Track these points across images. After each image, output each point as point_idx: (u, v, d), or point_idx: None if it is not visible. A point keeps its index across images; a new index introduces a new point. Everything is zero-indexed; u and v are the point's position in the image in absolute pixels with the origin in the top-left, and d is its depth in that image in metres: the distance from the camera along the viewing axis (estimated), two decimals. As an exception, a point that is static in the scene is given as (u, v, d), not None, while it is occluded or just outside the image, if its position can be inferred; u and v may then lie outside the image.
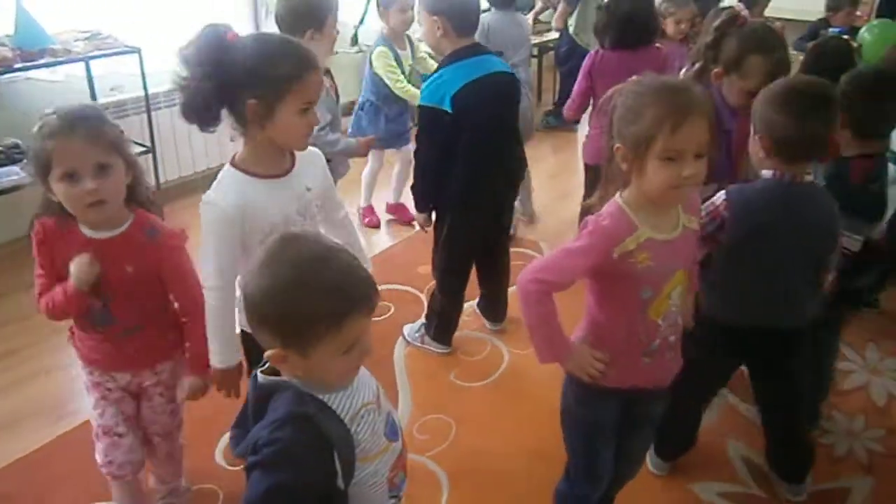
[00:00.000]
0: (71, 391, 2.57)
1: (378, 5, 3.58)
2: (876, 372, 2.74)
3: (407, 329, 2.94)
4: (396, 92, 3.48)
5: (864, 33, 4.09)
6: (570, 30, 5.18)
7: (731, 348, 1.97)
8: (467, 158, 2.49)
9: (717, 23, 2.18)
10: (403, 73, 3.53)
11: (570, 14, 5.15)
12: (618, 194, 1.52)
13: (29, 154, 1.55)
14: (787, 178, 1.78)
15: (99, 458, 1.81)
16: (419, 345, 2.90)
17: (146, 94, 3.53)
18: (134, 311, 1.70)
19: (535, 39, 5.81)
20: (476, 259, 2.84)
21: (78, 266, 1.55)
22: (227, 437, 2.28)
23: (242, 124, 1.58)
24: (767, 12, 4.88)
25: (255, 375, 1.18)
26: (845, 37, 4.15)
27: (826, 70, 2.18)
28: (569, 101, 3.24)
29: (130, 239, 1.63)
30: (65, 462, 2.27)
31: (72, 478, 2.19)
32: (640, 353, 1.59)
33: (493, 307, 3.00)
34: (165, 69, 3.68)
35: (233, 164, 1.64)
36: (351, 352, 1.11)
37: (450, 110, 2.41)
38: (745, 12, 4.19)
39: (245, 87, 1.51)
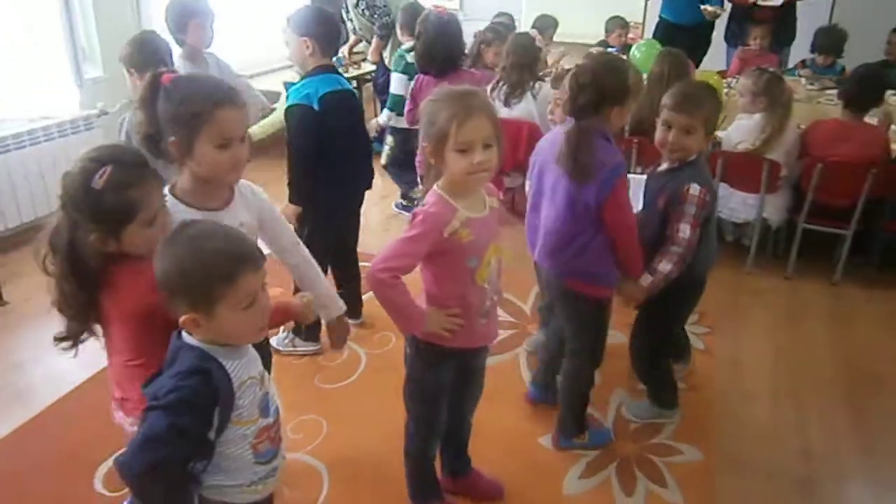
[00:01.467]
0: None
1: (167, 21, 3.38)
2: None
3: (275, 341, 3.09)
4: None
5: (634, 51, 4.81)
6: (386, 61, 5.55)
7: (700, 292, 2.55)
8: (331, 162, 2.77)
9: (582, 80, 2.18)
10: None
11: (385, 47, 5.53)
12: (435, 185, 1.82)
13: (90, 213, 1.42)
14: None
15: None
16: (291, 349, 3.09)
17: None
18: None
19: (354, 71, 6.15)
20: (333, 262, 3.08)
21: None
22: (106, 465, 2.36)
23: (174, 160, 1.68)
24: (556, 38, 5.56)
25: (180, 332, 1.39)
26: (620, 54, 4.88)
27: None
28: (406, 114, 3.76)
29: None
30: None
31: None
32: (478, 316, 1.91)
33: (352, 305, 3.22)
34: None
35: (171, 192, 1.67)
36: (250, 308, 1.34)
37: (317, 108, 2.69)
38: (539, 37, 4.82)
39: (168, 126, 1.61)
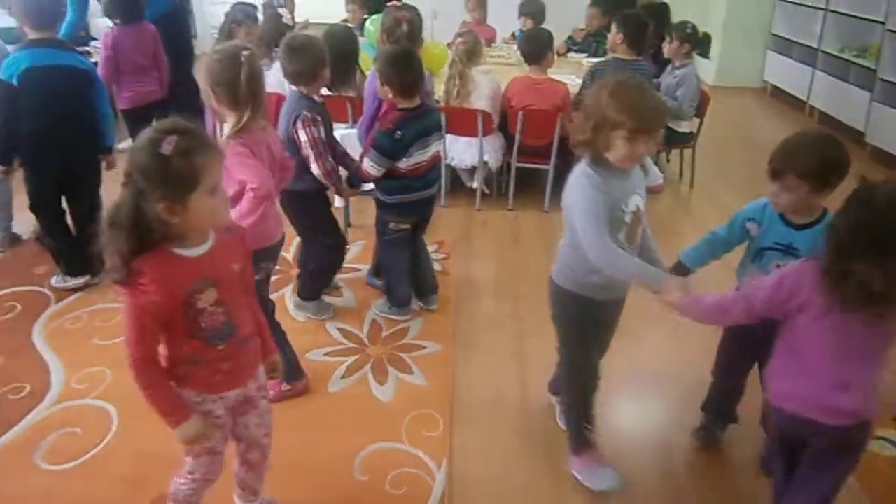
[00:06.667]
0: None
1: None
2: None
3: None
4: None
5: (368, 25, 5.34)
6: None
7: None
8: (31, 126, 3.22)
9: None
10: None
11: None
12: None
13: (159, 178, 1.49)
14: None
15: (195, 474, 1.89)
16: (61, 284, 3.51)
17: None
18: (246, 316, 1.78)
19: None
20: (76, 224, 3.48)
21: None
22: None
23: None
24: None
25: None
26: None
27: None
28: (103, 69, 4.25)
29: (221, 243, 1.68)
30: None
31: None
32: None
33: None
34: None
35: None
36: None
37: (16, 82, 3.13)
38: (286, 14, 5.19)
39: None
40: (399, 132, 2.88)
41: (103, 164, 3.55)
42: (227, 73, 2.23)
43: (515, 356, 3.10)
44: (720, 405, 2.57)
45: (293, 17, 5.82)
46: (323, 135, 2.82)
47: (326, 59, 2.85)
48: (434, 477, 2.39)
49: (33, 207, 3.48)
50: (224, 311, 1.68)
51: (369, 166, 2.92)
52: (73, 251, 3.47)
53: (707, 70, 8.06)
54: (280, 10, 5.46)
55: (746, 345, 2.32)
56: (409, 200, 3.06)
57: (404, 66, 2.89)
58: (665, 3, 5.89)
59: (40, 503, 2.26)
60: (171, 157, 1.48)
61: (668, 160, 5.51)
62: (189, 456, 1.86)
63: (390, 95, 2.92)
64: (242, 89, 2.22)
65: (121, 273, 1.54)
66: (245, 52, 2.26)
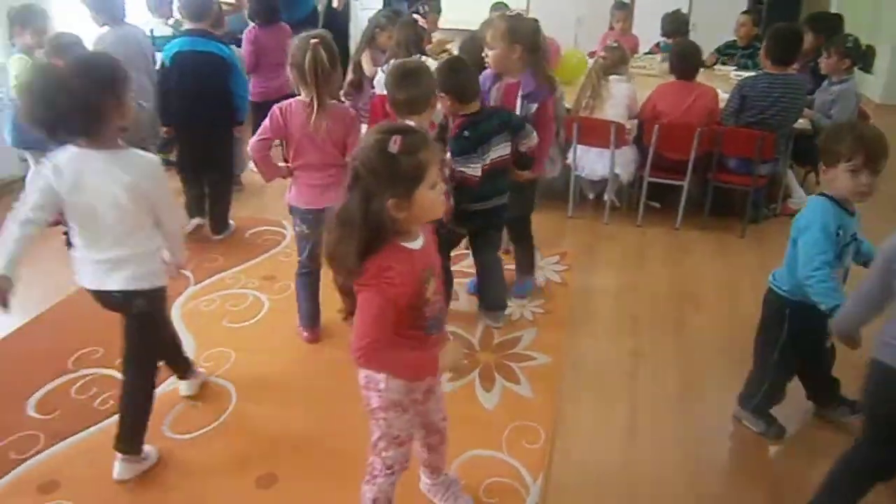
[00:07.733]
0: None
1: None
2: (538, 268, 3.80)
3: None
4: None
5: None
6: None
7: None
8: (177, 98, 3.84)
9: None
10: None
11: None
12: None
13: (388, 176, 1.56)
14: None
15: (394, 466, 1.94)
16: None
17: None
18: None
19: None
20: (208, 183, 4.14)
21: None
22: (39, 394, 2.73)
23: None
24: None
25: None
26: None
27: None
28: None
29: (426, 235, 1.75)
30: None
31: None
32: None
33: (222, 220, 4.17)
34: None
35: None
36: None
37: (168, 63, 3.81)
38: (422, 20, 5.32)
39: None
40: (466, 132, 2.89)
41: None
42: (299, 57, 2.58)
43: (627, 376, 2.99)
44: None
45: (430, 23, 5.94)
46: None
47: (437, 85, 2.83)
48: (529, 489, 2.35)
49: (179, 171, 4.12)
50: (440, 299, 1.76)
51: (468, 170, 2.90)
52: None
53: (874, 86, 7.42)
54: (415, 16, 5.59)
55: None
56: (467, 211, 2.96)
57: (457, 72, 2.91)
58: (838, 15, 5.46)
59: (157, 467, 2.44)
60: (399, 155, 1.55)
61: (817, 182, 5.12)
62: (380, 455, 1.93)
63: (448, 103, 2.90)
64: (306, 71, 2.56)
65: (356, 270, 1.61)
66: (313, 41, 2.55)
